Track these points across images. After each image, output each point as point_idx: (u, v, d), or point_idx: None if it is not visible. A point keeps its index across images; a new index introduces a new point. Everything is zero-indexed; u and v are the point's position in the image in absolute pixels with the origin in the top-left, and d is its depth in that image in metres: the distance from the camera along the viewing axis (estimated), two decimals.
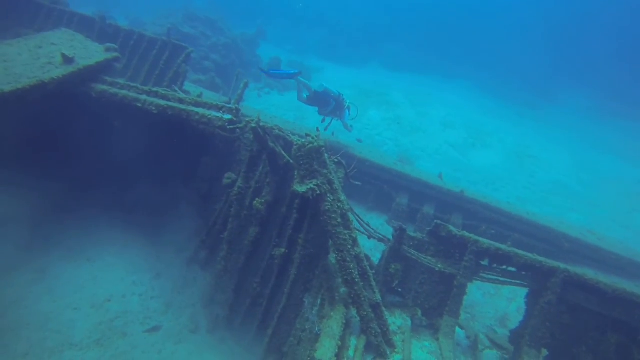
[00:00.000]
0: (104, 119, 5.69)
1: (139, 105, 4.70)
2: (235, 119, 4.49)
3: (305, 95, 8.15)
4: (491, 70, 24.12)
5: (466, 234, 5.07)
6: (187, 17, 14.04)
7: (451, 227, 5.18)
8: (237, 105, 4.63)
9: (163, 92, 4.73)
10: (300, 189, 4.00)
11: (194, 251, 5.59)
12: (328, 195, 4.20)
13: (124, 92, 4.89)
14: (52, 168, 6.21)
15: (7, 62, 5.40)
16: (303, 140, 4.17)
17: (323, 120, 8.37)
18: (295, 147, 4.16)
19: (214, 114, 4.32)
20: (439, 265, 5.15)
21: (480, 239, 4.99)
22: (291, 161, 4.45)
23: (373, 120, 14.52)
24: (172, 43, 7.10)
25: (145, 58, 7.24)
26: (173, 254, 5.66)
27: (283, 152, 4.42)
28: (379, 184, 8.61)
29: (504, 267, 4.91)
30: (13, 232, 5.32)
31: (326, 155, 4.43)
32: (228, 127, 4.41)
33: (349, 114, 8.36)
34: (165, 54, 7.06)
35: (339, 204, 4.33)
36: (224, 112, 4.40)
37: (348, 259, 4.29)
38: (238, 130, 4.59)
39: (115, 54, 5.40)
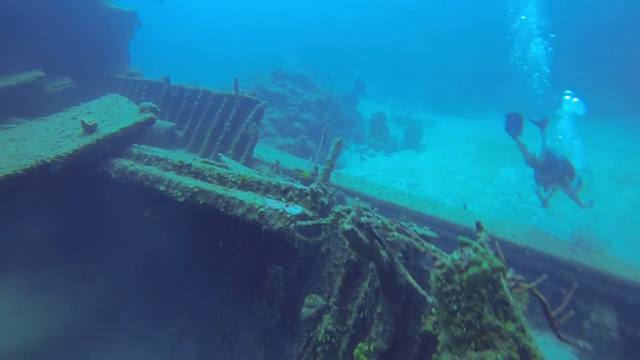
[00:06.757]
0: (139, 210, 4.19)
1: (162, 188, 3.00)
2: (314, 208, 2.44)
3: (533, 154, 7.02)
4: None
5: None
6: (275, 76, 13.23)
7: None
8: (321, 184, 2.60)
9: (197, 167, 2.97)
10: None
11: None
12: None
13: (146, 168, 3.27)
14: (83, 276, 4.90)
15: (27, 140, 4.43)
16: (455, 257, 1.88)
17: (546, 190, 7.32)
18: (438, 273, 1.88)
19: (269, 204, 2.33)
20: None
21: None
22: (429, 298, 2.20)
23: (510, 180, 11.51)
24: (240, 97, 5.67)
25: (210, 120, 5.91)
26: None
27: (411, 279, 2.20)
28: (549, 286, 5.68)
29: None
30: None
31: (504, 282, 2.10)
32: (299, 224, 2.37)
33: (579, 183, 7.12)
34: (231, 112, 5.62)
35: None
36: (290, 199, 2.38)
37: None
38: (323, 231, 2.55)
39: (150, 115, 3.97)
